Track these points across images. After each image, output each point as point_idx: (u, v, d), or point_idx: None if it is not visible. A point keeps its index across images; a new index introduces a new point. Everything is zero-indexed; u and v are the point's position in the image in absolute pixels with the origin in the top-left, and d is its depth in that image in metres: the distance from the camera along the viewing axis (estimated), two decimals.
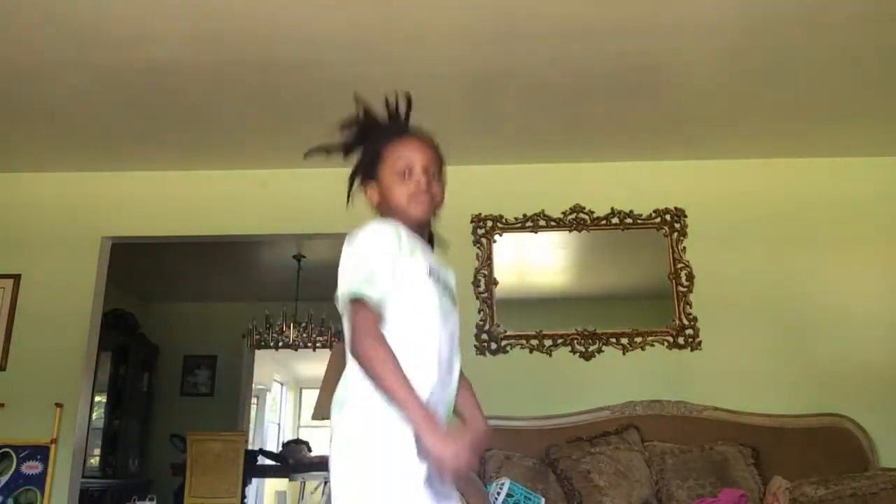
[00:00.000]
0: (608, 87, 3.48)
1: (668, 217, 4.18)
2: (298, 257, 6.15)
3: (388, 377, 1.32)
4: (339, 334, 5.84)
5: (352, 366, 1.41)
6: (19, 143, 4.03)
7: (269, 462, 6.17)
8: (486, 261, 4.14)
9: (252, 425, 8.51)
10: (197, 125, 3.84)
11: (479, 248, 4.16)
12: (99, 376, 5.74)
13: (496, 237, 4.18)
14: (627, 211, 4.19)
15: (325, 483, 5.67)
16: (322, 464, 5.32)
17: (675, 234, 4.14)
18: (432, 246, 1.60)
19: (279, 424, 10.31)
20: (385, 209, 1.56)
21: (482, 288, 4.08)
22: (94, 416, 5.91)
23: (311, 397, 9.53)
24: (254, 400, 8.32)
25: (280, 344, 6.26)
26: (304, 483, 6.18)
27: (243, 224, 4.31)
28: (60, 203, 4.31)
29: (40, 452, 3.88)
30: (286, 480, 7.01)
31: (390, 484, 1.32)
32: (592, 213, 4.20)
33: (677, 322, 4.00)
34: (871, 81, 3.47)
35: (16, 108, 3.65)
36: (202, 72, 3.31)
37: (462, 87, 3.48)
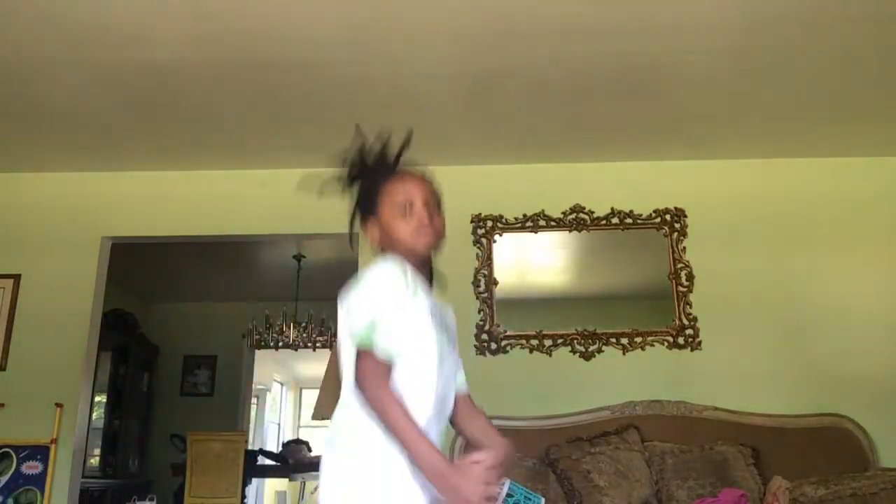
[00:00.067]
0: (608, 87, 3.48)
1: (668, 217, 4.18)
2: (298, 257, 6.15)
3: (399, 423, 1.31)
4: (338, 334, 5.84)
5: (344, 404, 1.42)
6: (19, 143, 4.03)
7: (269, 462, 6.18)
8: (486, 261, 4.14)
9: (252, 425, 8.51)
10: (197, 125, 3.84)
11: (478, 248, 4.16)
12: (99, 376, 5.74)
13: (496, 237, 4.18)
14: (627, 211, 4.19)
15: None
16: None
17: (675, 234, 4.14)
18: (432, 281, 1.59)
19: (279, 424, 10.32)
20: (388, 246, 1.54)
21: (482, 288, 4.08)
22: (94, 416, 5.91)
23: (311, 397, 9.54)
24: (254, 400, 8.32)
25: (280, 344, 6.26)
26: (304, 483, 6.19)
27: (243, 224, 4.31)
28: (60, 203, 4.31)
29: (40, 452, 3.88)
30: (286, 480, 7.02)
31: None
32: (592, 213, 4.20)
33: (677, 322, 4.00)
34: (871, 81, 3.47)
35: (16, 108, 3.65)
36: (202, 72, 3.31)
37: (462, 87, 3.48)
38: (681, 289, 4.06)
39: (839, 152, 4.15)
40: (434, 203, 1.57)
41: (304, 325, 6.25)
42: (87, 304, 4.14)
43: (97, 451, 6.39)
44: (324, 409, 4.19)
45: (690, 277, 4.07)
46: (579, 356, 3.98)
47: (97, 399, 6.00)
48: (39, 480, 3.84)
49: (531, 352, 3.99)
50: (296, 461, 5.84)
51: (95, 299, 4.19)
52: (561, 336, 4.01)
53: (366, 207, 1.59)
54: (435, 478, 1.29)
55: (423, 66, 3.28)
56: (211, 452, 5.10)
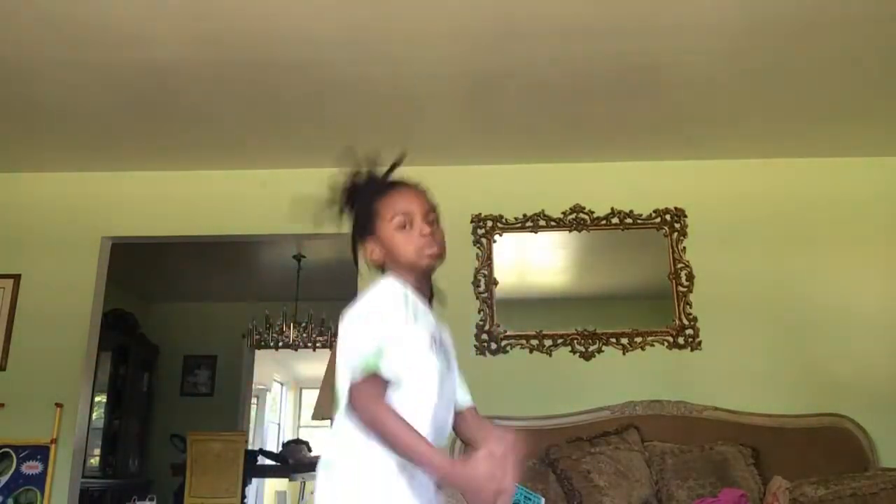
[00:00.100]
0: (608, 87, 3.48)
1: (668, 217, 4.18)
2: (298, 257, 6.15)
3: (400, 434, 1.30)
4: (338, 335, 5.84)
5: (339, 425, 1.41)
6: (19, 143, 4.03)
7: (269, 462, 6.18)
8: (486, 261, 4.14)
9: (252, 425, 8.51)
10: (197, 125, 3.84)
11: (479, 248, 4.16)
12: (99, 376, 5.74)
13: (496, 237, 4.18)
14: (627, 211, 4.19)
15: None
16: None
17: (675, 234, 4.14)
18: (431, 299, 1.55)
19: (279, 424, 10.32)
20: (391, 264, 1.50)
21: (482, 288, 4.08)
22: (94, 416, 5.91)
23: (311, 397, 9.53)
24: (254, 400, 8.32)
25: (280, 344, 6.26)
26: (304, 483, 6.19)
27: (243, 224, 4.30)
28: (60, 203, 4.31)
29: (40, 452, 3.88)
30: (286, 480, 7.03)
31: None
32: (592, 213, 4.20)
33: (677, 322, 4.00)
34: (871, 81, 3.47)
35: (16, 108, 3.65)
36: (202, 72, 3.31)
37: (462, 87, 3.48)
38: (681, 289, 4.06)
39: (839, 152, 4.15)
40: (433, 215, 1.52)
41: (304, 325, 6.25)
42: (87, 304, 4.14)
43: (97, 451, 6.39)
44: (324, 409, 4.19)
45: (690, 277, 4.07)
46: (579, 356, 3.98)
47: (97, 399, 6.00)
48: (39, 480, 3.84)
49: (531, 352, 3.99)
50: (296, 461, 5.84)
51: (95, 299, 4.18)
52: (561, 336, 4.01)
53: (363, 229, 1.53)
54: (448, 478, 1.28)
55: (423, 66, 3.28)
56: (211, 452, 5.10)
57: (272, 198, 4.23)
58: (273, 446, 8.85)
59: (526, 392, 3.87)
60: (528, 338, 4.00)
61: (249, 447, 6.24)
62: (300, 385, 10.93)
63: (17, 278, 4.17)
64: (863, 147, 4.10)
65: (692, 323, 3.99)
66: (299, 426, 10.63)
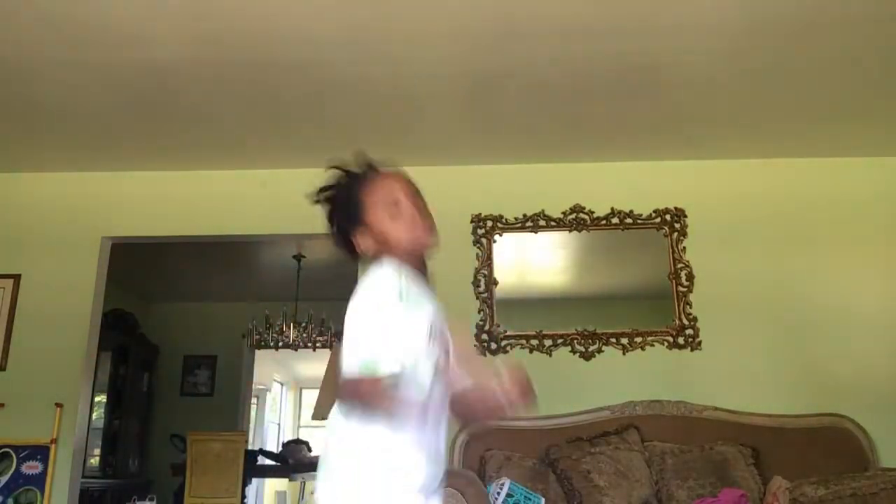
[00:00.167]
0: (608, 87, 3.48)
1: (668, 217, 4.18)
2: (298, 257, 6.15)
3: (398, 405, 1.33)
4: (338, 335, 5.84)
5: (338, 424, 1.41)
6: (19, 143, 4.03)
7: (269, 462, 6.18)
8: (486, 261, 4.14)
9: (252, 425, 8.51)
10: (197, 125, 3.84)
11: (479, 248, 4.16)
12: (99, 376, 5.74)
13: (496, 237, 4.18)
14: (627, 211, 4.19)
15: None
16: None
17: (675, 234, 4.14)
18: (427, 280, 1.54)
19: (279, 424, 10.32)
20: (386, 250, 1.48)
21: (482, 288, 4.08)
22: (94, 416, 5.91)
23: (311, 397, 9.54)
24: (254, 400, 8.32)
25: (280, 344, 6.26)
26: (304, 483, 6.19)
27: (243, 224, 4.31)
28: (60, 203, 4.31)
29: (40, 452, 3.88)
30: (286, 480, 7.02)
31: None
32: (592, 213, 4.20)
33: (677, 322, 4.00)
34: (871, 81, 3.47)
35: (16, 108, 3.65)
36: (202, 72, 3.31)
37: (462, 87, 3.48)
38: (681, 289, 4.06)
39: (839, 152, 4.15)
40: (419, 196, 1.53)
41: (304, 325, 6.25)
42: (87, 304, 4.14)
43: (97, 451, 6.39)
44: (324, 409, 4.19)
45: (690, 277, 4.07)
46: (579, 356, 3.98)
47: (97, 399, 6.00)
48: (39, 480, 3.84)
49: (531, 352, 3.99)
50: (296, 461, 5.84)
51: (95, 299, 4.19)
52: (561, 336, 4.01)
53: (351, 220, 1.52)
54: (471, 410, 1.39)
55: (423, 66, 3.28)
56: (211, 452, 5.09)
57: (272, 198, 4.23)
58: (273, 446, 8.84)
59: None
60: (528, 338, 4.00)
61: (249, 447, 6.24)
62: (300, 385, 10.92)
63: (17, 278, 4.17)
64: (863, 147, 4.10)
65: (692, 323, 3.99)
66: (299, 426, 10.63)
